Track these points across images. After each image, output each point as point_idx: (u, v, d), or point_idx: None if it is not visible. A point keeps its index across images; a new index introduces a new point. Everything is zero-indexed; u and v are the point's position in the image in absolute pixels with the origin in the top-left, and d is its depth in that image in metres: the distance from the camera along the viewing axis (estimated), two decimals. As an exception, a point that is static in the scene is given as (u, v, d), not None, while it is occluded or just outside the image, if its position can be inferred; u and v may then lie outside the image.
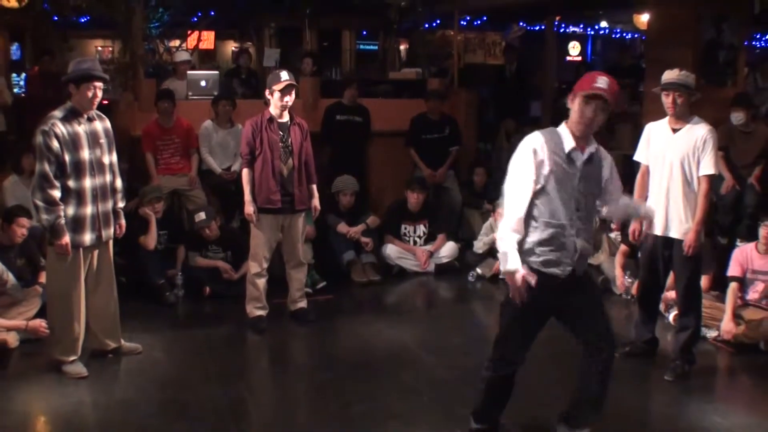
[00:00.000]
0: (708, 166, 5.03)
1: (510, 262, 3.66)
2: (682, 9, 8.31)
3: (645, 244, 5.41)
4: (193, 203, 7.65)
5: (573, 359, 5.60)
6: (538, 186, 3.68)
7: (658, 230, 5.22)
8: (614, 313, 6.78)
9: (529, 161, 3.67)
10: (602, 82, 3.63)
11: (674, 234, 5.15)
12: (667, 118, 5.20)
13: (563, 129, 3.73)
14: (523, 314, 3.81)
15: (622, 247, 7.04)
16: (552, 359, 5.65)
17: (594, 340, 3.93)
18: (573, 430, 4.05)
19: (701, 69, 8.00)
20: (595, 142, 3.77)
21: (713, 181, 5.19)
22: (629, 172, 7.31)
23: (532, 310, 3.79)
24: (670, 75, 5.11)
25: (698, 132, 5.06)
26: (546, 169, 3.67)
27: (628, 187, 7.16)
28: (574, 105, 3.69)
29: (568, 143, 3.69)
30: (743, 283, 5.90)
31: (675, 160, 5.11)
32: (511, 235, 3.69)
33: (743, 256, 5.93)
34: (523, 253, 3.71)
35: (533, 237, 3.73)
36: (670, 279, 5.55)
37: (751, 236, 7.09)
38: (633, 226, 5.46)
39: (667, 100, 5.10)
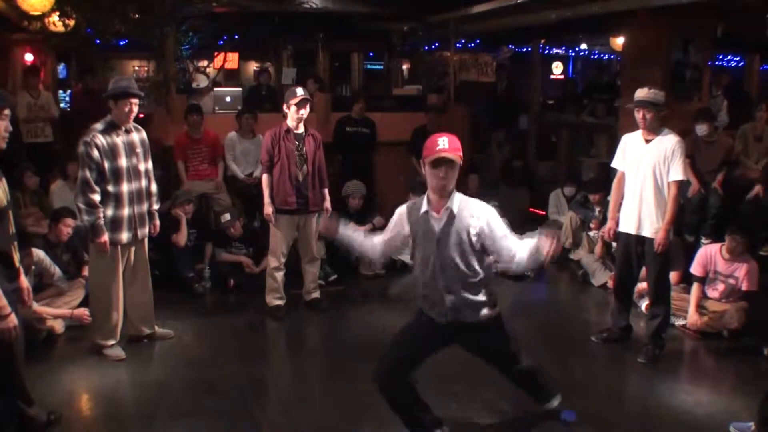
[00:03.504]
0: (677, 172, 5.02)
1: None
2: (653, 33, 8.31)
3: (619, 241, 5.41)
4: (219, 205, 7.65)
5: (558, 340, 5.62)
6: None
7: (632, 229, 5.23)
8: (593, 303, 6.78)
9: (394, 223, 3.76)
10: (442, 143, 3.42)
11: (646, 233, 5.14)
12: (640, 131, 5.19)
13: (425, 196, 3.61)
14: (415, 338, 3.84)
15: (599, 244, 7.05)
16: (538, 340, 5.67)
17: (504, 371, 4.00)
18: (542, 404, 4.17)
19: (670, 86, 8.00)
20: (455, 200, 3.51)
21: (681, 186, 5.17)
22: (606, 178, 7.30)
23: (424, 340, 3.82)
24: (640, 93, 5.10)
25: (668, 143, 5.05)
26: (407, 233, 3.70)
27: (605, 192, 7.21)
28: (426, 172, 3.50)
29: (424, 207, 3.59)
30: (705, 282, 5.85)
31: (647, 168, 5.10)
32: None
33: (707, 257, 5.81)
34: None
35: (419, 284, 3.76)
36: (643, 272, 5.53)
37: (715, 234, 7.09)
38: (608, 226, 5.46)
39: (637, 115, 5.11)
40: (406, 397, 3.79)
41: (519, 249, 3.53)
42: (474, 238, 3.52)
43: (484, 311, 3.66)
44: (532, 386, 4.13)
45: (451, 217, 3.53)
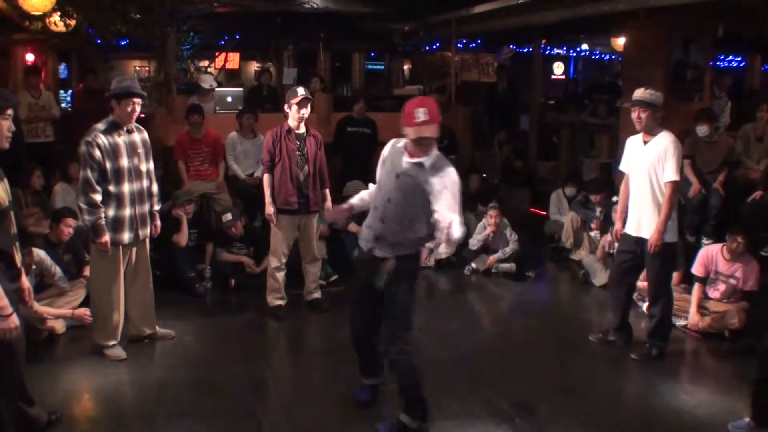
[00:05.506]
0: (671, 173, 5.00)
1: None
2: (654, 33, 8.31)
3: (621, 242, 5.41)
4: (220, 205, 7.66)
5: (559, 340, 5.62)
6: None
7: (632, 231, 5.23)
8: (593, 303, 6.78)
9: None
10: (422, 115, 3.70)
11: (645, 234, 5.14)
12: (641, 133, 5.20)
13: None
14: (357, 285, 4.09)
15: (601, 244, 7.06)
16: (539, 340, 5.67)
17: (384, 332, 3.93)
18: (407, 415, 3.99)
19: (671, 86, 8.01)
20: (433, 157, 3.76)
21: (678, 186, 5.15)
22: (608, 178, 7.32)
23: (361, 282, 4.00)
24: (637, 93, 5.12)
25: (663, 143, 5.05)
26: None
27: (606, 193, 7.22)
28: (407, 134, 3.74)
29: (401, 144, 3.86)
30: (707, 282, 5.85)
31: (644, 170, 5.11)
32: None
33: (708, 258, 5.79)
34: None
35: None
36: (643, 273, 5.54)
37: (716, 235, 7.09)
38: (616, 227, 5.47)
39: (633, 115, 5.14)
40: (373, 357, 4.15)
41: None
42: (428, 195, 3.67)
43: (397, 253, 3.81)
44: (400, 378, 3.95)
45: (420, 165, 3.74)
